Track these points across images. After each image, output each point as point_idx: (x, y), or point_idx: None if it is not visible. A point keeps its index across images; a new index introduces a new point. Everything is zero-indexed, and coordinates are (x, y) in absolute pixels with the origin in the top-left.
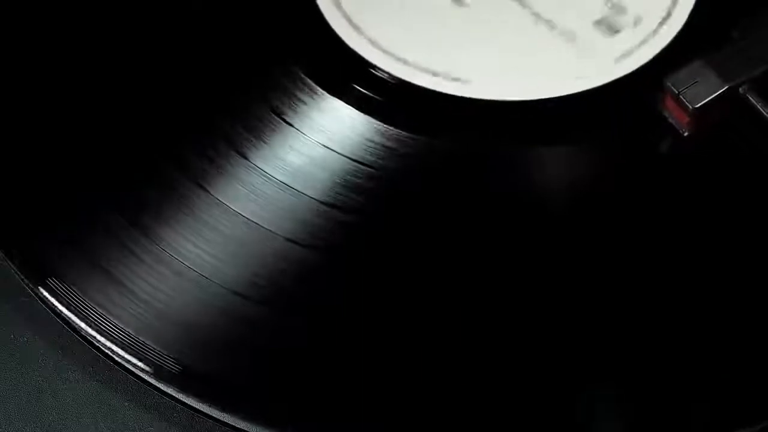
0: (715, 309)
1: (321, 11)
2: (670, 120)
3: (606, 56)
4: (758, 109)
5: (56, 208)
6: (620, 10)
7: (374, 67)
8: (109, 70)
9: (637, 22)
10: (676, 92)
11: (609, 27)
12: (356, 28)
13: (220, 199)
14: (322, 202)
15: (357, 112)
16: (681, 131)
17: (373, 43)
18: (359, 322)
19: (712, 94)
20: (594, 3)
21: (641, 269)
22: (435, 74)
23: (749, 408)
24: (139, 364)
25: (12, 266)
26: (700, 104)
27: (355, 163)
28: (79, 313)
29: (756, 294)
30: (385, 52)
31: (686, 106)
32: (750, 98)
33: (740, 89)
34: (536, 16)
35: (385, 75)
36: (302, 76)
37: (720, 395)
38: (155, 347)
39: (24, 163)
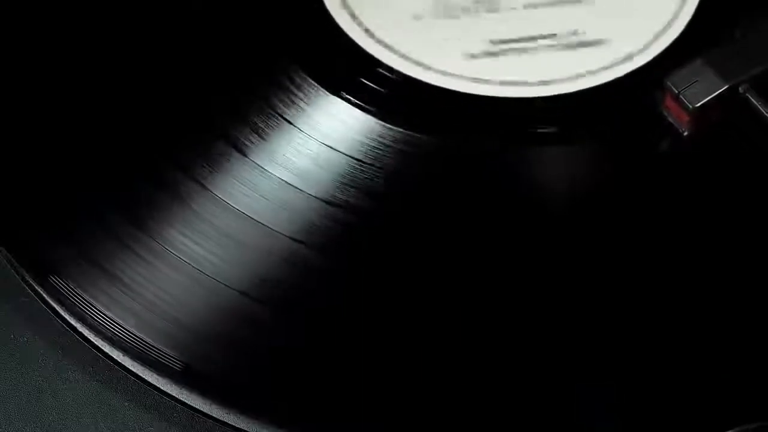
0: (714, 308)
1: (324, 9)
2: (670, 119)
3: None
4: (758, 108)
5: (57, 207)
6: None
7: (376, 64)
8: (109, 69)
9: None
10: (676, 92)
11: None
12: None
13: (221, 198)
14: (323, 201)
15: (357, 110)
16: (681, 131)
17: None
18: (361, 321)
19: (711, 94)
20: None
21: (641, 268)
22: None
23: (748, 408)
24: (140, 363)
25: (12, 266)
26: (699, 103)
27: (356, 162)
28: (79, 313)
29: (755, 293)
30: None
31: (686, 105)
32: (750, 97)
33: (740, 88)
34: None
35: (387, 73)
36: (303, 74)
37: (720, 395)
38: (156, 346)
39: (24, 163)
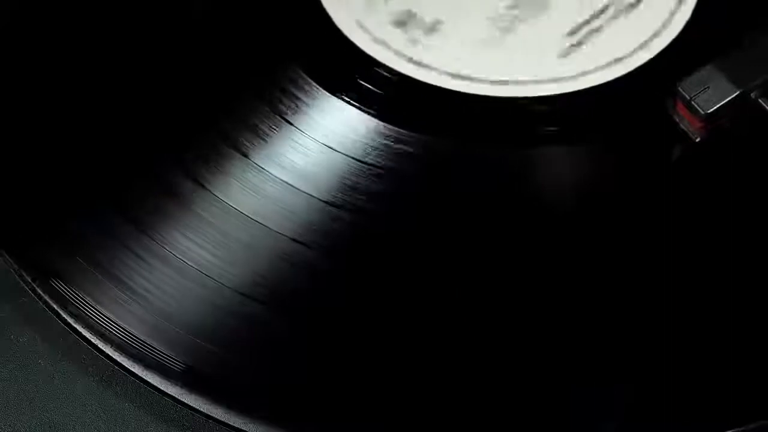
0: (715, 310)
1: (323, 9)
2: (682, 125)
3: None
4: None
5: (57, 208)
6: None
7: (376, 65)
8: (109, 69)
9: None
10: (688, 98)
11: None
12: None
13: (222, 198)
14: (323, 201)
15: (358, 110)
16: (693, 137)
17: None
18: (361, 321)
19: (724, 100)
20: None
21: (642, 271)
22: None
23: (749, 408)
24: (140, 364)
25: (12, 266)
26: (711, 109)
27: (356, 162)
28: (79, 313)
29: (756, 296)
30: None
31: (698, 111)
32: (762, 103)
33: (752, 94)
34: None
35: (386, 73)
36: (303, 74)
37: (720, 395)
38: (156, 347)
39: (24, 163)
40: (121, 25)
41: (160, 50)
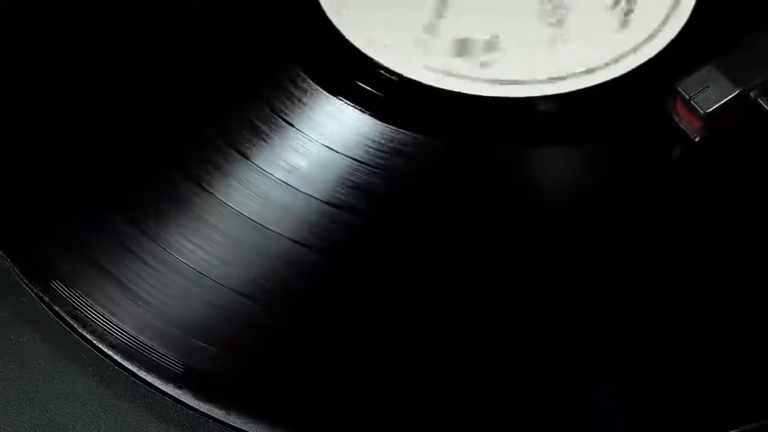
0: (715, 310)
1: (322, 10)
2: (681, 125)
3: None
4: None
5: (57, 208)
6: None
7: (375, 66)
8: (109, 69)
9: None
10: (687, 97)
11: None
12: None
13: (221, 199)
14: (323, 202)
15: (358, 111)
16: (692, 136)
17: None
18: (360, 322)
19: (723, 99)
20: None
21: (645, 272)
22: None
23: (749, 408)
24: (140, 364)
25: (12, 266)
26: (711, 109)
27: (356, 163)
28: (79, 314)
29: (756, 296)
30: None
31: (697, 111)
32: (761, 102)
33: (751, 94)
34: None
35: (386, 74)
36: (303, 75)
37: (720, 395)
38: (156, 348)
39: (25, 164)
40: (121, 25)
41: (161, 50)
